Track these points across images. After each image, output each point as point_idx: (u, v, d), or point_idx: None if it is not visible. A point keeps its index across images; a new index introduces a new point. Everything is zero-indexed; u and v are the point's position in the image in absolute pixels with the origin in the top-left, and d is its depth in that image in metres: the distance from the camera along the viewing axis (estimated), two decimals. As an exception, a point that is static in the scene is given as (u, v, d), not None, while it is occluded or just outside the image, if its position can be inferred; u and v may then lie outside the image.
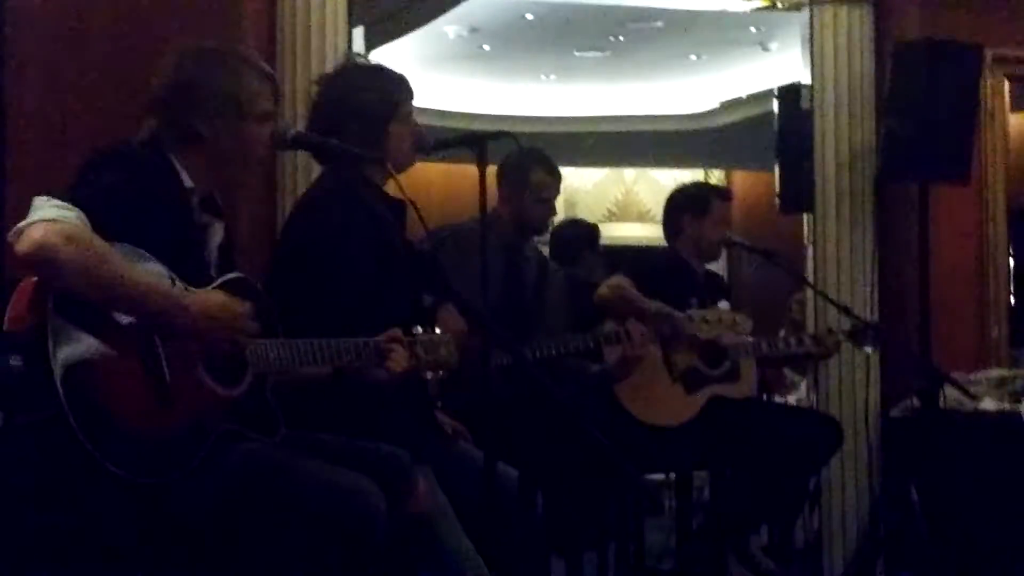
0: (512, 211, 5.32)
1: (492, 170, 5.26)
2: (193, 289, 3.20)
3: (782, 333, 6.22)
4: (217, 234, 3.47)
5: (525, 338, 4.98)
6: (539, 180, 5.32)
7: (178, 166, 3.35)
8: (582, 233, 7.64)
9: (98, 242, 2.97)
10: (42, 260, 2.91)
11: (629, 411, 5.34)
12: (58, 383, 2.86)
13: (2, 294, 2.96)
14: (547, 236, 6.74)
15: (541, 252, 5.55)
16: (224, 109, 3.38)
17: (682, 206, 5.86)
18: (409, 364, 3.59)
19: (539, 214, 5.38)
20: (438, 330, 3.74)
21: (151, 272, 3.11)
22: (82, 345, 2.94)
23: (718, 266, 6.47)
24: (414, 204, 3.65)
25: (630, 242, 12.56)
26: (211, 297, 3.21)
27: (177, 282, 3.18)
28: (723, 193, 6.10)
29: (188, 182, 3.36)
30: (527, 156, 5.32)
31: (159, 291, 3.08)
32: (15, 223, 2.99)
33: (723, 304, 5.61)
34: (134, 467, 2.95)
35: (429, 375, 3.77)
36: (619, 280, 5.46)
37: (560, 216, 13.30)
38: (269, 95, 3.50)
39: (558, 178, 5.48)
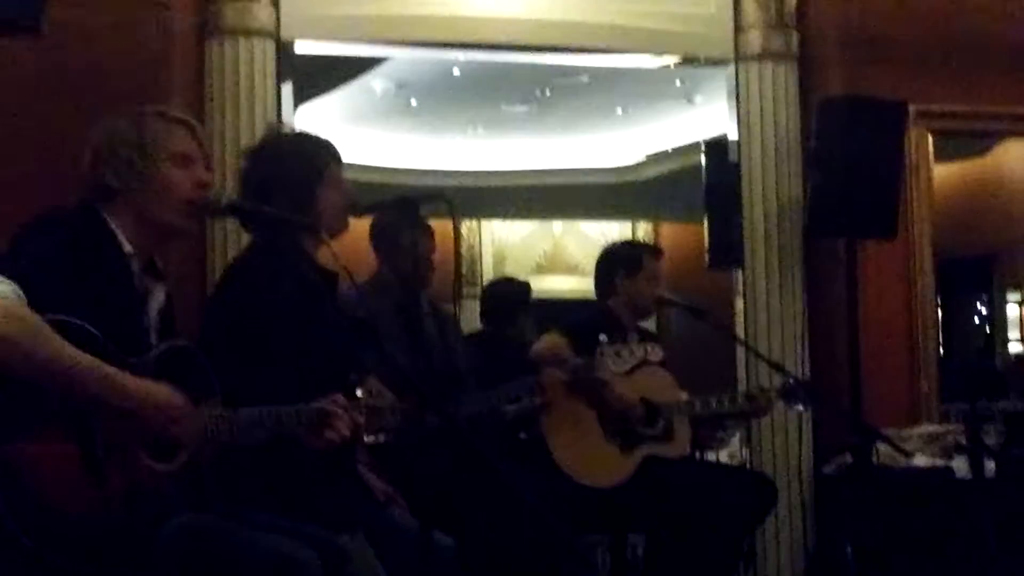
0: (393, 271, 5.33)
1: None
2: (132, 361, 3.13)
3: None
4: (158, 298, 3.41)
5: (443, 394, 4.94)
6: (409, 239, 5.24)
7: (116, 230, 3.29)
8: (515, 292, 7.61)
9: (34, 319, 2.89)
10: None
11: (564, 472, 5.31)
12: None
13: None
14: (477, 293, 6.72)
15: (435, 303, 5.52)
16: (128, 157, 3.33)
17: (614, 265, 5.85)
18: (350, 431, 3.53)
19: (418, 271, 5.34)
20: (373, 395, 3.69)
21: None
22: (12, 427, 2.87)
23: (647, 322, 6.45)
24: (348, 271, 3.61)
25: (559, 295, 12.55)
26: (155, 389, 3.12)
27: (117, 358, 3.11)
28: (654, 251, 6.10)
29: (127, 246, 3.30)
30: (395, 216, 5.27)
31: (97, 371, 3.00)
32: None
33: (632, 336, 5.60)
34: (76, 556, 2.87)
35: (369, 439, 3.71)
36: (554, 339, 5.45)
37: (488, 268, 13.42)
38: (183, 137, 3.44)
39: (429, 233, 5.46)
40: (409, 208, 3.80)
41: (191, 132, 3.48)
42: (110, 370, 3.00)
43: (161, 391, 3.08)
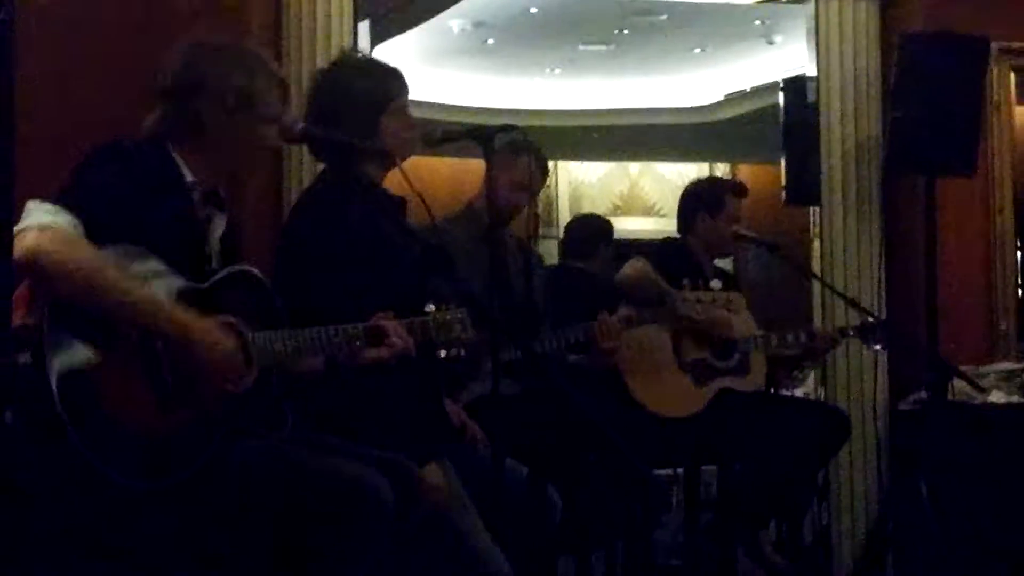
0: (491, 196, 5.27)
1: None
2: (192, 285, 3.18)
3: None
4: (219, 227, 3.46)
5: (522, 330, 4.95)
6: (527, 167, 5.24)
7: (179, 160, 3.34)
8: (596, 228, 7.63)
9: (89, 250, 2.97)
10: (32, 267, 2.91)
11: (638, 401, 5.33)
12: (55, 393, 2.85)
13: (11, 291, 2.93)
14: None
15: (520, 239, 5.50)
16: (236, 106, 3.37)
17: (696, 203, 5.86)
18: (407, 342, 3.54)
19: (517, 200, 5.30)
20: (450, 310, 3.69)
21: (147, 277, 3.08)
22: (78, 354, 2.93)
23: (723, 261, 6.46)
24: (421, 196, 3.62)
25: (636, 236, 12.54)
26: (210, 329, 3.15)
27: (176, 278, 3.16)
28: (738, 189, 6.07)
29: (189, 176, 3.35)
30: (519, 143, 5.26)
31: (152, 303, 3.06)
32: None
33: (715, 283, 5.59)
34: (138, 473, 2.94)
35: (443, 354, 3.70)
36: (642, 264, 5.45)
37: (564, 210, 13.41)
38: (278, 98, 3.49)
39: (546, 173, 5.47)
40: (485, 138, 3.80)
41: (283, 93, 3.52)
42: (163, 302, 3.06)
43: (210, 332, 3.12)
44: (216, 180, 3.44)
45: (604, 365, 5.23)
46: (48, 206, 2.99)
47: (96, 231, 3.01)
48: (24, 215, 2.98)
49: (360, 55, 4.35)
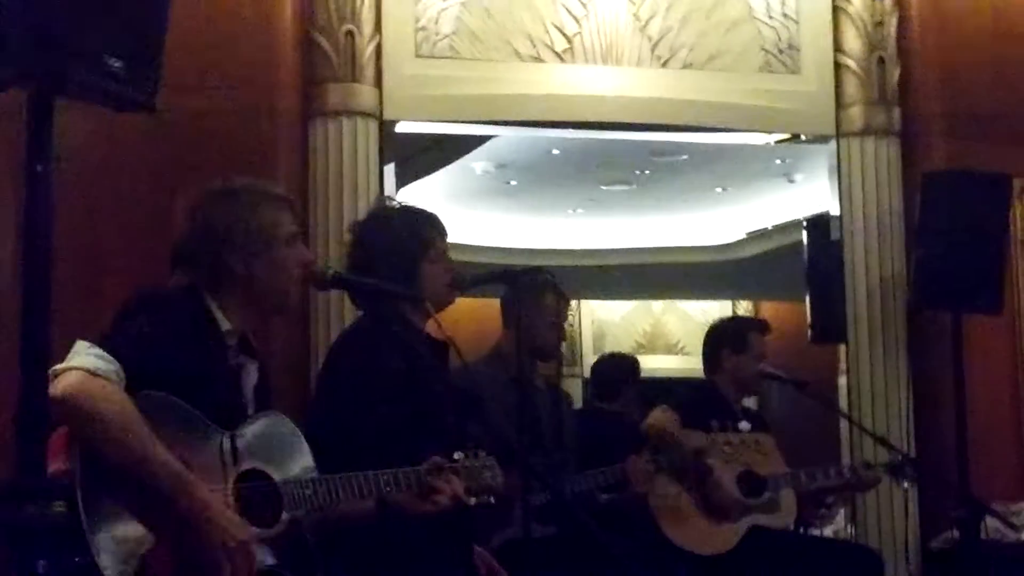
0: (523, 338, 5.30)
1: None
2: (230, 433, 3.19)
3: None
4: (252, 375, 3.47)
5: (553, 473, 4.95)
6: (551, 303, 5.32)
7: (214, 308, 3.36)
8: (623, 367, 7.63)
9: (128, 406, 2.97)
10: (68, 406, 2.92)
11: (671, 540, 5.30)
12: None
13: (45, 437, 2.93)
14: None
15: (550, 380, 5.53)
16: (253, 243, 3.40)
17: (721, 341, 5.87)
18: (454, 494, 3.54)
19: (551, 338, 5.36)
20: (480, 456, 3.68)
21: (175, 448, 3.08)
22: (129, 529, 2.94)
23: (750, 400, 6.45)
24: (454, 342, 3.64)
25: (660, 374, 12.54)
26: (225, 512, 3.10)
27: (212, 430, 3.16)
28: (761, 326, 6.09)
29: (225, 324, 3.37)
30: (538, 281, 5.32)
31: (175, 472, 3.02)
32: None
33: (744, 425, 5.59)
34: None
35: (473, 501, 3.69)
36: (666, 415, 5.46)
37: (589, 349, 13.43)
38: (290, 218, 3.52)
39: (567, 303, 5.53)
40: (513, 280, 3.82)
41: (292, 209, 3.56)
42: (187, 473, 3.04)
43: (231, 518, 3.09)
44: (251, 322, 3.46)
45: (638, 505, 5.22)
46: (97, 350, 3.01)
47: (136, 381, 3.02)
48: (72, 354, 3.01)
49: (396, 203, 4.40)
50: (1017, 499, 6.15)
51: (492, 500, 3.67)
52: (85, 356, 2.99)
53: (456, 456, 3.62)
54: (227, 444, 3.20)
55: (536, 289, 5.28)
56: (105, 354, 3.01)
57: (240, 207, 3.44)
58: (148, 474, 2.98)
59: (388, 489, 3.45)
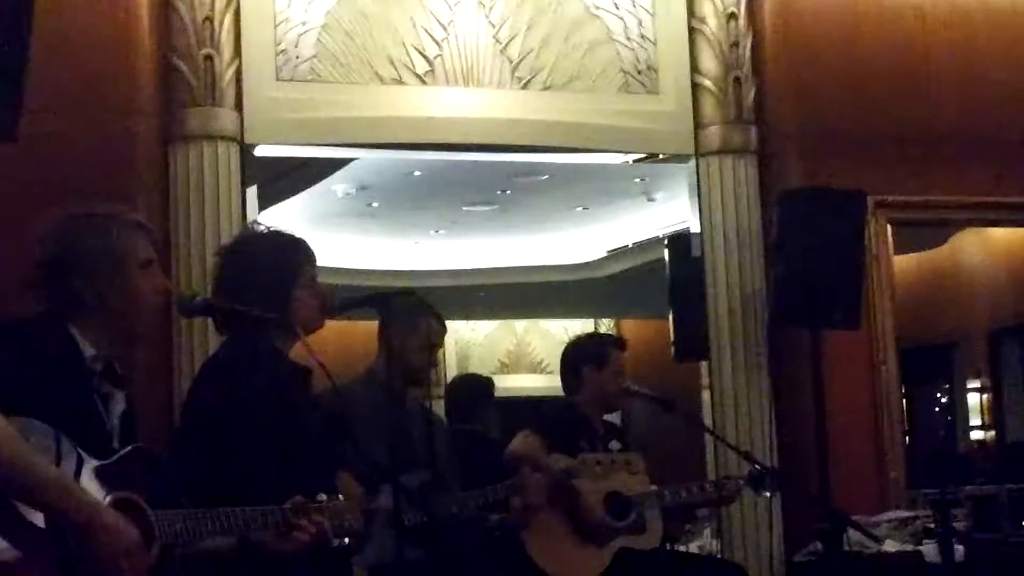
0: (396, 360, 5.28)
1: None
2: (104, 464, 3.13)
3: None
4: (119, 403, 3.42)
5: (428, 493, 4.94)
6: (424, 327, 5.30)
7: (77, 335, 3.31)
8: (478, 386, 7.64)
9: (2, 421, 2.91)
10: None
11: (540, 567, 5.30)
12: None
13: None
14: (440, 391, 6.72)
15: (424, 403, 5.51)
16: (103, 269, 3.35)
17: (580, 359, 5.87)
18: (315, 535, 3.51)
19: (424, 361, 5.34)
20: (341, 496, 3.67)
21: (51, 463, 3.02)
22: None
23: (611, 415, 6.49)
24: (324, 366, 3.62)
25: (523, 393, 12.57)
26: (109, 514, 3.04)
27: (81, 454, 3.11)
28: (619, 343, 6.13)
29: (89, 350, 3.31)
30: (415, 305, 5.31)
31: (55, 479, 2.99)
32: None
33: (614, 444, 5.62)
34: None
35: (336, 543, 3.68)
36: (530, 440, 5.48)
37: (452, 369, 13.43)
38: (144, 242, 3.47)
39: (444, 327, 5.51)
40: (383, 303, 3.81)
41: (149, 236, 3.50)
42: (68, 481, 2.99)
43: (115, 520, 3.02)
44: (113, 349, 3.41)
45: (524, 524, 5.23)
46: None
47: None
48: None
49: (264, 227, 4.36)
50: (877, 511, 6.27)
51: (347, 542, 3.65)
52: None
53: (320, 497, 3.59)
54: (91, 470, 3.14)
55: (412, 312, 5.28)
56: None
57: (91, 233, 3.38)
58: (29, 486, 2.90)
59: (254, 525, 3.41)
